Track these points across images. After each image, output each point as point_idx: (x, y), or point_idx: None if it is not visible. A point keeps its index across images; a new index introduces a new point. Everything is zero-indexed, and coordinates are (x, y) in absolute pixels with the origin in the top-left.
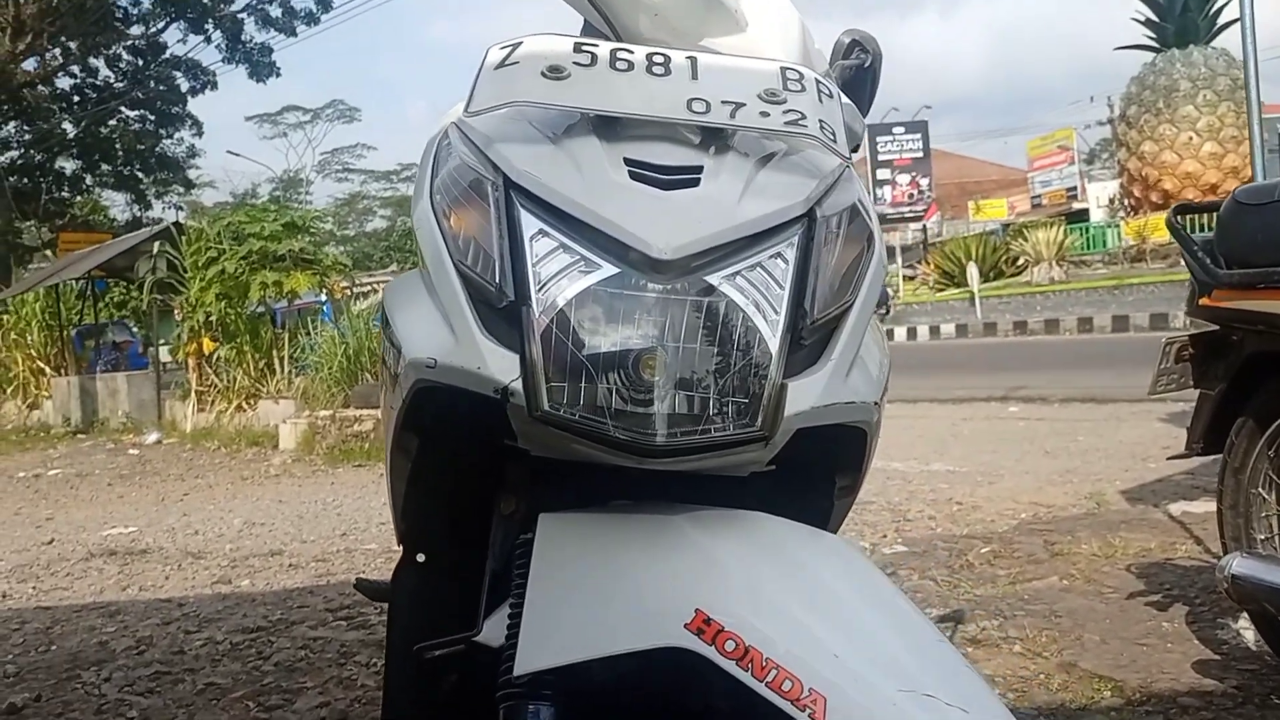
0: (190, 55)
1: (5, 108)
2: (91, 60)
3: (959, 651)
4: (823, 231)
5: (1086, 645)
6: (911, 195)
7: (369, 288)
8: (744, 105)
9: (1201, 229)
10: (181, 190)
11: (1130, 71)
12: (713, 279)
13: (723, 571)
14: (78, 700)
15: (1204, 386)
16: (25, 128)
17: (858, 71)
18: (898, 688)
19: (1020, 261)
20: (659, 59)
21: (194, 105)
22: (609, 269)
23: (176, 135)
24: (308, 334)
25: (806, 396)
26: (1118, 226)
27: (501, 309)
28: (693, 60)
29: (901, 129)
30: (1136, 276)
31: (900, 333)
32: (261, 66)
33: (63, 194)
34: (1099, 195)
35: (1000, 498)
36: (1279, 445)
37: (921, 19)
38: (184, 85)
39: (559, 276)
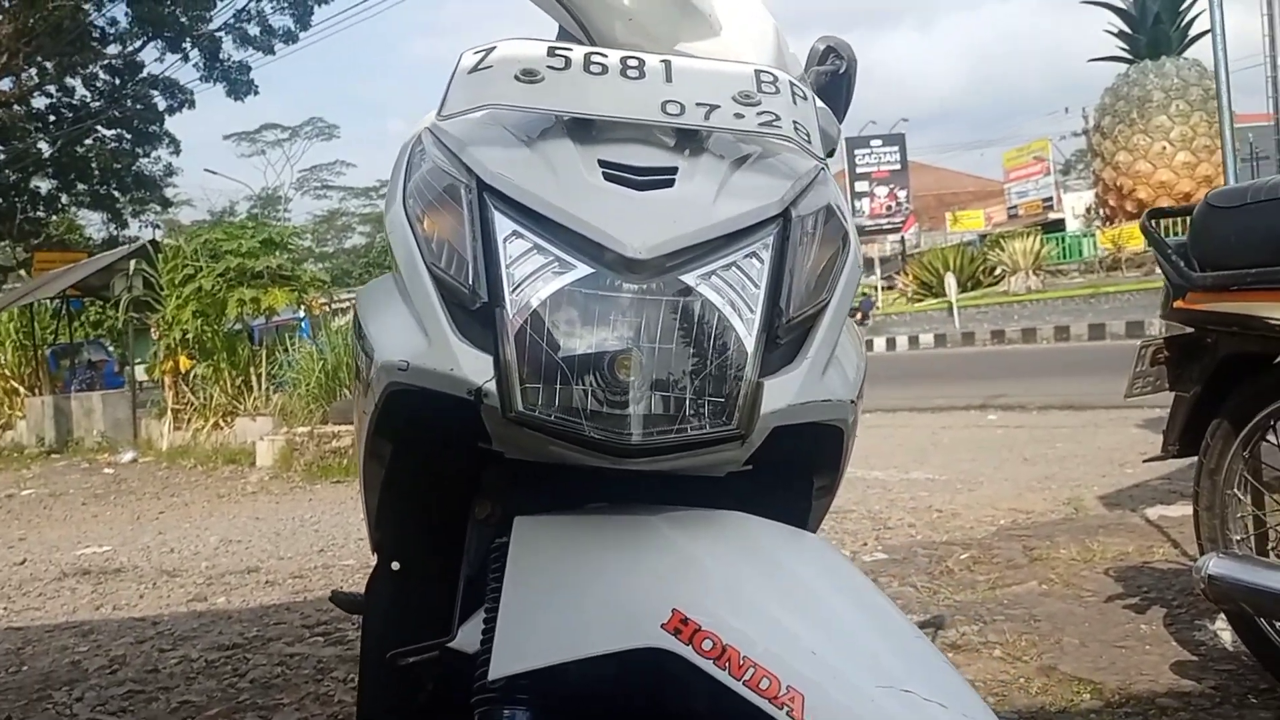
0: (168, 74)
1: None
2: (68, 80)
3: (937, 648)
4: (798, 231)
5: (1066, 648)
6: (889, 207)
7: (348, 304)
8: (718, 107)
9: (1178, 234)
10: (158, 209)
11: (1104, 83)
12: (688, 278)
13: (700, 571)
14: None
15: (1179, 389)
16: (0, 148)
17: (833, 78)
18: (876, 684)
19: (997, 272)
20: (633, 62)
21: (171, 124)
22: (583, 269)
23: (153, 154)
24: (286, 351)
25: (783, 395)
26: (1093, 236)
27: (475, 311)
28: (667, 63)
29: (879, 142)
30: (1112, 285)
31: (879, 343)
32: (240, 85)
33: (38, 213)
34: (1074, 205)
35: (979, 504)
36: (1254, 447)
37: (898, 33)
38: (161, 104)
39: (533, 277)
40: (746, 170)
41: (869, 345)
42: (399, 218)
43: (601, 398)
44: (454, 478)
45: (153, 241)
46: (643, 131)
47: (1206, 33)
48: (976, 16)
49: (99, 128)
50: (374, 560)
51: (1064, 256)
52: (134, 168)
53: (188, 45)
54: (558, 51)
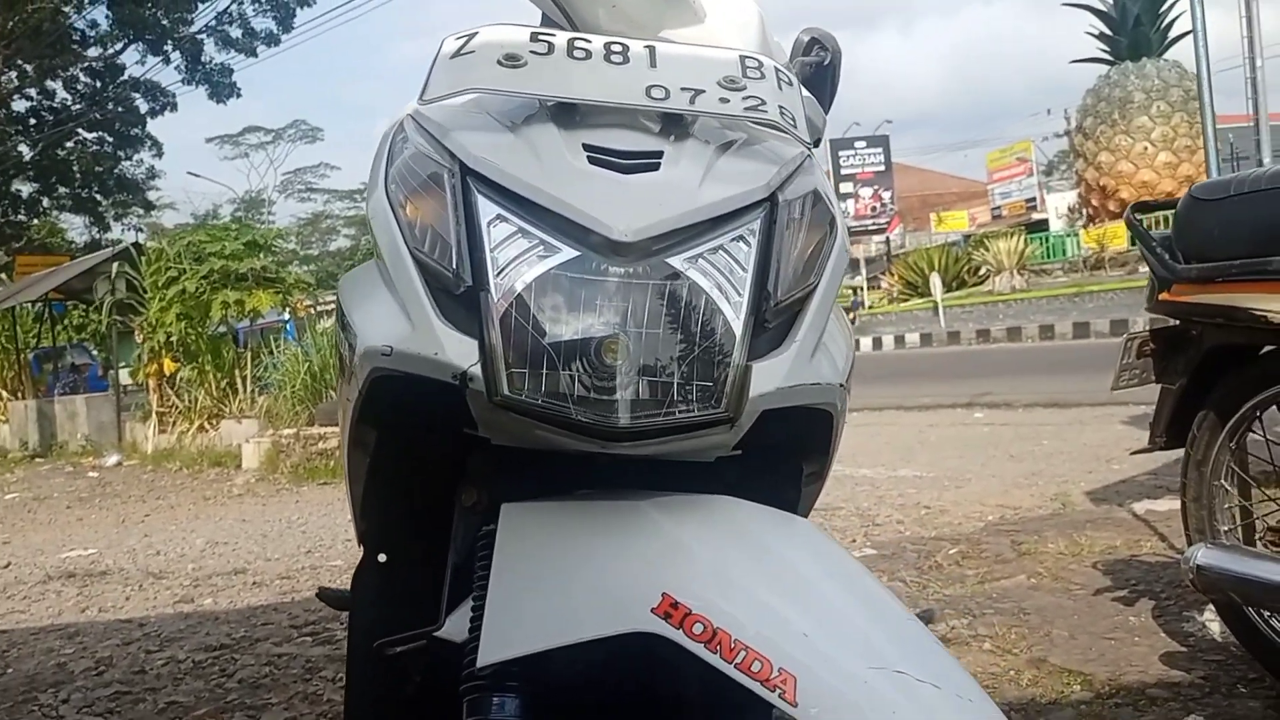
0: (149, 77)
1: None
2: (48, 82)
3: (929, 631)
4: (785, 216)
5: (1055, 641)
6: (874, 208)
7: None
8: (703, 92)
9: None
10: (141, 212)
11: (1086, 84)
12: (675, 262)
13: (689, 555)
14: None
15: (1165, 381)
16: None
17: (817, 69)
18: (868, 665)
19: (982, 271)
20: (617, 48)
21: (153, 126)
22: (569, 252)
23: (136, 157)
24: (271, 353)
25: (771, 378)
26: (1076, 235)
27: (459, 295)
28: (651, 49)
29: (863, 143)
30: (1096, 284)
31: (866, 343)
32: (222, 87)
33: (19, 217)
34: (1057, 205)
35: (967, 501)
36: (1240, 438)
37: (881, 36)
38: (143, 107)
39: (518, 261)
40: (732, 155)
41: (855, 345)
42: (381, 204)
43: (588, 382)
44: (440, 465)
45: (136, 244)
46: (627, 116)
47: (1186, 34)
48: (958, 18)
49: (80, 131)
50: (358, 549)
51: (1048, 256)
52: (116, 171)
53: (169, 48)
54: (541, 36)
